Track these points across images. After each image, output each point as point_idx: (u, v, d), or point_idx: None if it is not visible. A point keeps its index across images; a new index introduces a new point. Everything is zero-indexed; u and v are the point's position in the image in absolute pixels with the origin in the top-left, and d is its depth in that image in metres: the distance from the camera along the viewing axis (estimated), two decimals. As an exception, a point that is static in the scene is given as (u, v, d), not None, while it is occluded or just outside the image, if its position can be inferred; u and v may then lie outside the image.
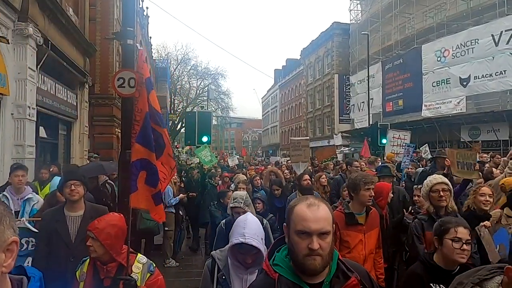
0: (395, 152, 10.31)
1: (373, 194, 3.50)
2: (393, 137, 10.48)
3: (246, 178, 7.44)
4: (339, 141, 21.29)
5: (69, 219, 3.23)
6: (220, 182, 9.15)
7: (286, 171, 9.66)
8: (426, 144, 13.79)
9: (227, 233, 2.54)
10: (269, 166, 14.11)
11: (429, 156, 12.38)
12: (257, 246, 2.10)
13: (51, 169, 6.32)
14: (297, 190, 6.07)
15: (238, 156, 22.62)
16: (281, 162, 15.97)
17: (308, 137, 16.52)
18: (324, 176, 7.45)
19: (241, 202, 3.54)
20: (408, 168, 8.37)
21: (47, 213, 3.45)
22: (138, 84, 2.84)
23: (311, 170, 9.08)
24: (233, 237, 2.14)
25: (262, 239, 2.18)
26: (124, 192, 4.47)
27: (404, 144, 10.43)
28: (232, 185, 7.60)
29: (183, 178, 9.97)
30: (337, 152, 23.33)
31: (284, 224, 1.54)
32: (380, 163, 9.29)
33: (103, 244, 2.35)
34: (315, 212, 1.43)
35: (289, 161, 11.02)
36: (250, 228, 2.16)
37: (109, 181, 6.60)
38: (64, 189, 3.28)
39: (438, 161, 6.61)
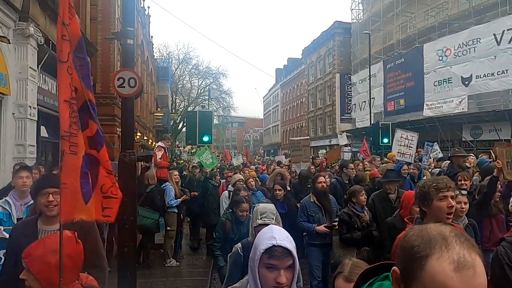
0: (402, 152, 10.16)
1: (453, 204, 2.51)
2: (401, 137, 10.34)
3: (242, 178, 7.09)
4: (345, 141, 21.03)
5: (42, 234, 2.56)
6: (223, 181, 9.08)
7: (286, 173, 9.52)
8: (436, 143, 13.42)
9: (246, 261, 1.91)
10: (272, 165, 14.06)
11: (439, 155, 12.16)
12: (291, 250, 1.62)
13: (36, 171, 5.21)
14: (311, 193, 5.52)
15: (242, 155, 22.46)
16: (283, 162, 15.91)
17: (308, 137, 16.48)
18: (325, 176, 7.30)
19: (273, 218, 2.77)
20: (410, 169, 8.11)
21: (18, 225, 2.87)
22: (65, 42, 1.96)
23: (313, 170, 8.95)
24: (260, 246, 1.64)
25: (295, 249, 1.67)
26: (124, 194, 4.47)
27: (411, 146, 10.28)
28: (229, 186, 7.25)
29: (186, 178, 9.95)
30: (343, 152, 22.72)
31: (394, 268, 0.96)
32: (379, 162, 9.17)
33: (37, 278, 1.69)
34: (469, 282, 0.83)
35: (290, 161, 10.96)
36: (279, 233, 1.69)
37: None
38: (38, 199, 2.58)
39: (454, 161, 6.21)
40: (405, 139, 10.33)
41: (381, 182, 5.78)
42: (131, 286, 4.33)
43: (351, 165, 7.72)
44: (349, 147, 26.40)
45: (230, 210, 4.53)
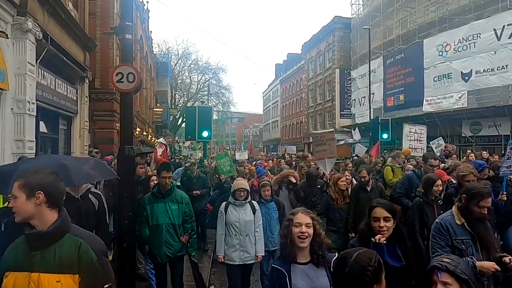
0: (413, 147, 9.93)
1: None
2: (410, 132, 10.13)
3: (244, 187, 4.92)
4: (358, 136, 20.93)
5: None
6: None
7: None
8: (441, 137, 12.66)
9: None
10: (271, 162, 13.98)
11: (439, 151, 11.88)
12: None
13: None
14: (455, 212, 3.18)
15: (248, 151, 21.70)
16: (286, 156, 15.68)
17: (333, 129, 15.62)
18: (344, 178, 5.97)
19: None
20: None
21: None
22: None
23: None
24: None
25: None
26: (124, 187, 4.47)
27: (421, 139, 9.97)
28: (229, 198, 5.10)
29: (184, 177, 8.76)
30: (354, 146, 22.25)
31: None
32: (403, 158, 8.65)
33: None
34: None
35: (313, 158, 9.88)
36: None
37: (93, 190, 4.46)
38: None
39: None
40: (414, 133, 10.19)
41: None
42: (130, 280, 4.35)
43: (432, 161, 5.96)
44: (350, 142, 26.33)
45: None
